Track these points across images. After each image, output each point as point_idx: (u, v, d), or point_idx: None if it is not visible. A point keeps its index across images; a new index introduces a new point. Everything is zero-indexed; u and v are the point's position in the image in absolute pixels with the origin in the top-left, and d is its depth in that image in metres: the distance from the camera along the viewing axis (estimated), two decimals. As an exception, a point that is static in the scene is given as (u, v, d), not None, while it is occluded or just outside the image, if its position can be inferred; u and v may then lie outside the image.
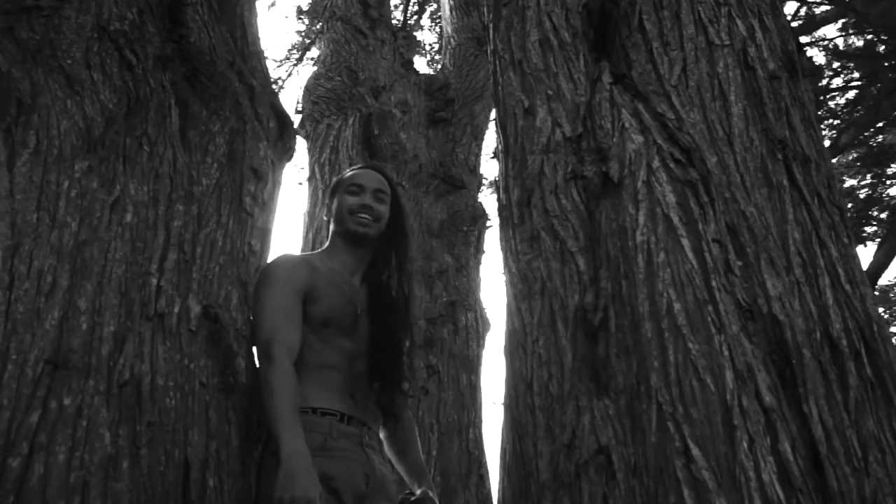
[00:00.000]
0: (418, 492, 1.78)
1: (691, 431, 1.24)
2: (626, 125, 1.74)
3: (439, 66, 4.58)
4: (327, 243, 1.99)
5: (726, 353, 1.33)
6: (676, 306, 1.40)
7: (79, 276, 1.45)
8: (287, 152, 2.19)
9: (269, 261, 1.95)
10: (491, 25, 2.17)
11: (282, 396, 1.61)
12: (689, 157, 1.63)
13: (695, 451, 1.22)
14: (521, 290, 1.67)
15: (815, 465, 1.25)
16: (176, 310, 1.56)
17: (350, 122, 3.42)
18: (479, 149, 3.97)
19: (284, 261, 1.89)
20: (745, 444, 1.21)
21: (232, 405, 1.60)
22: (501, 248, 1.90)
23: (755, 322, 1.41)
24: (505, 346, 1.70)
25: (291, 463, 1.51)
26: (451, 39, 4.49)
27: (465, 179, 3.52)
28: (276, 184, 2.16)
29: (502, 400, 1.81)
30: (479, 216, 3.47)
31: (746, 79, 1.78)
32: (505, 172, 1.87)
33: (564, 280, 1.59)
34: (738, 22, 1.89)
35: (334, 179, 2.05)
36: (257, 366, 1.73)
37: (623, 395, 1.38)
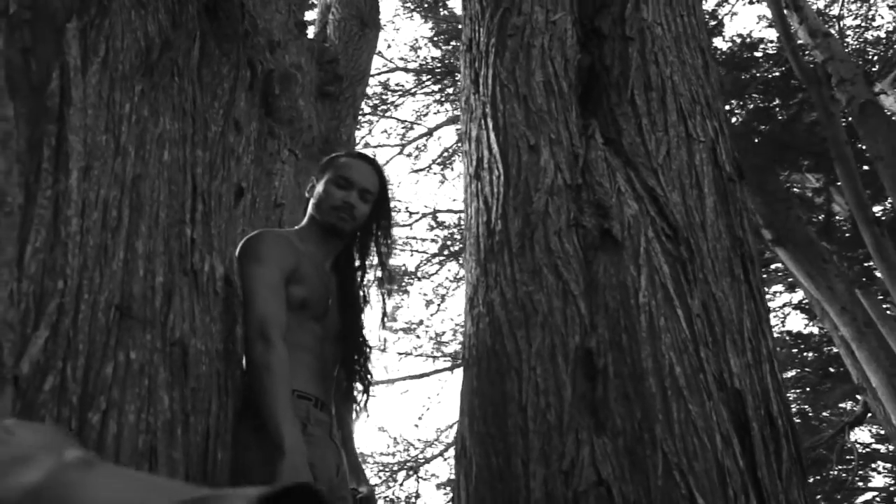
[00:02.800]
0: (363, 489, 1.82)
1: (696, 482, 1.47)
2: (622, 189, 1.95)
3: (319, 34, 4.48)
4: (304, 223, 1.96)
5: (714, 417, 1.59)
6: (677, 369, 1.63)
7: (136, 214, 1.32)
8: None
9: (252, 234, 1.87)
10: (493, 51, 2.26)
11: (282, 381, 1.59)
12: (676, 235, 1.88)
13: (699, 500, 1.45)
14: (517, 317, 1.80)
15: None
16: (206, 268, 1.47)
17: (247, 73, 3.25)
18: (354, 133, 3.98)
19: (273, 237, 1.84)
20: (743, 499, 1.46)
21: (230, 374, 1.54)
22: (477, 265, 2.01)
23: (723, 393, 1.69)
24: (487, 364, 1.81)
25: (296, 458, 1.49)
26: (334, 11, 4.42)
27: (347, 162, 3.52)
28: (250, 142, 2.07)
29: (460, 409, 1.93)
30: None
31: (715, 176, 2.08)
32: (504, 199, 1.98)
33: (566, 319, 1.75)
34: (708, 122, 2.20)
35: (327, 157, 2.02)
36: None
37: (622, 436, 1.58)
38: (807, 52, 7.73)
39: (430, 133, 9.67)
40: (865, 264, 9.34)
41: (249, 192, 2.01)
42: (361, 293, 1.98)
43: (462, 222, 4.43)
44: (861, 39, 9.63)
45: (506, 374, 1.75)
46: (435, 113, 10.01)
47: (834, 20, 9.48)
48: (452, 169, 9.96)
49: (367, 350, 1.93)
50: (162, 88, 1.52)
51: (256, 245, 1.77)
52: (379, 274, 2.01)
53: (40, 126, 1.20)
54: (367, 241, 2.01)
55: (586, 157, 2.03)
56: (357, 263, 2.01)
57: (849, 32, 9.46)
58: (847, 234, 9.84)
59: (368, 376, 1.91)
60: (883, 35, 9.44)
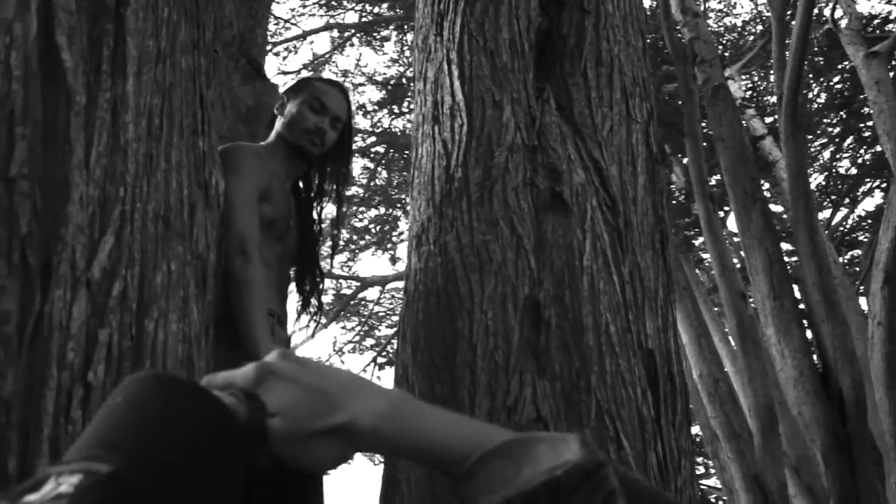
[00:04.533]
0: None
1: (622, 427, 1.72)
2: (572, 157, 2.13)
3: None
4: (271, 140, 2.00)
5: (636, 372, 1.84)
6: (612, 328, 1.86)
7: (170, 123, 1.33)
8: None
9: (229, 146, 1.89)
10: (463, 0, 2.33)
11: (259, 297, 1.66)
12: (614, 206, 2.10)
13: (625, 442, 1.70)
14: (472, 262, 1.95)
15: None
16: (214, 181, 1.50)
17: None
18: (266, 41, 3.87)
19: (250, 152, 1.87)
20: (652, 443, 1.74)
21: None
22: (429, 205, 2.13)
23: (640, 351, 1.95)
24: (437, 301, 1.96)
25: None
26: None
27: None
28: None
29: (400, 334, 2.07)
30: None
31: (646, 156, 2.31)
32: (466, 149, 2.10)
33: (518, 271, 1.92)
34: (644, 104, 2.41)
35: (301, 77, 2.04)
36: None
37: (560, 381, 1.80)
38: (677, 28, 8.25)
39: (304, 36, 9.39)
40: (686, 232, 10.30)
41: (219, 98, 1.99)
42: (317, 218, 2.05)
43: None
44: (721, 24, 10.37)
45: (457, 314, 1.91)
46: (310, 16, 9.70)
47: (702, 1, 10.13)
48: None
49: (320, 274, 2.02)
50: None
51: (235, 158, 1.79)
52: (334, 204, 2.08)
53: (99, 24, 1.18)
54: (327, 168, 2.06)
55: (541, 120, 2.18)
56: (315, 189, 2.07)
57: (711, 15, 10.16)
58: (674, 202, 10.74)
59: (320, 299, 2.00)
60: (739, 23, 10.22)
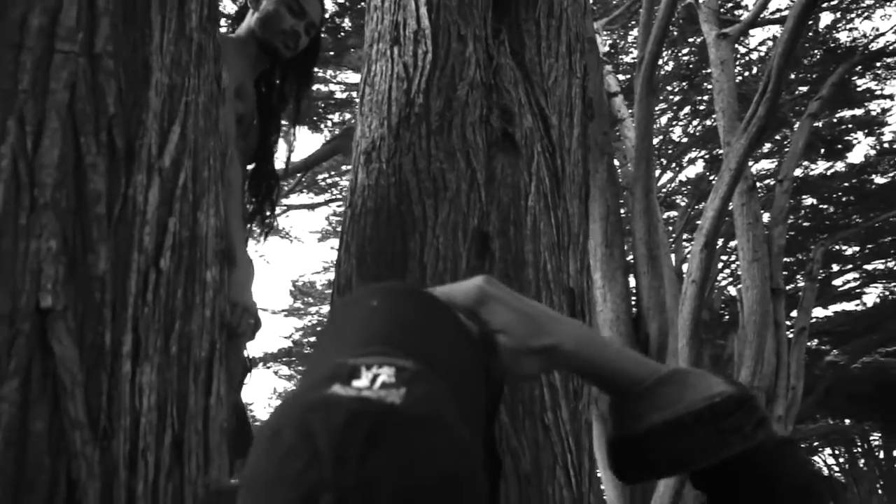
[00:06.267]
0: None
1: (552, 355, 1.93)
2: (522, 101, 2.26)
3: None
4: (241, 34, 1.98)
5: (564, 308, 2.05)
6: (548, 266, 2.05)
7: (210, 12, 1.31)
8: None
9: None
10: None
11: (237, 196, 1.70)
12: (554, 154, 2.27)
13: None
14: (428, 187, 2.05)
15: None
16: (223, 76, 1.49)
17: None
18: None
19: (232, 45, 1.86)
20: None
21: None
22: (384, 125, 2.19)
23: (565, 290, 2.16)
24: (388, 219, 2.05)
25: (246, 271, 1.65)
26: None
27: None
28: None
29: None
30: None
31: (581, 111, 2.49)
32: (430, 77, 2.16)
33: (470, 202, 2.05)
34: (582, 61, 2.58)
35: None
36: None
37: (499, 308, 1.97)
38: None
39: None
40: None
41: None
42: (275, 120, 2.05)
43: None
44: (596, -21, 10.76)
45: (409, 234, 2.01)
46: None
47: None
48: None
49: (275, 177, 2.04)
50: None
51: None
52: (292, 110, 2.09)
53: None
54: (291, 71, 2.07)
55: (497, 60, 2.29)
56: (276, 90, 2.07)
57: (587, -32, 10.55)
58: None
59: (273, 204, 2.03)
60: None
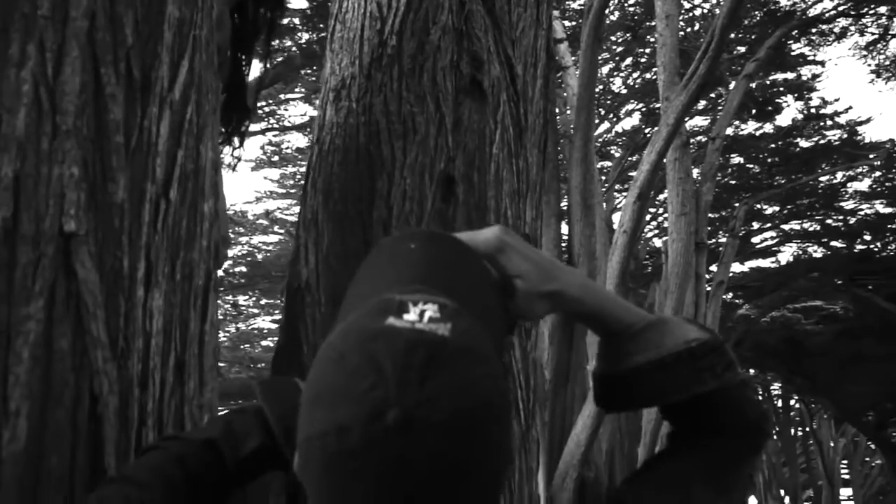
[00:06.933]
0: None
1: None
2: (491, 49, 2.32)
3: None
4: None
5: (520, 253, 2.16)
6: (509, 212, 2.14)
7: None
8: None
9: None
10: None
11: (214, 131, 1.72)
12: (518, 104, 2.34)
13: (509, 310, 2.02)
14: (398, 129, 2.10)
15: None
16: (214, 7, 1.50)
17: None
18: None
19: None
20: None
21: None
22: (355, 63, 2.21)
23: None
24: (356, 157, 2.10)
25: (225, 200, 1.69)
26: None
27: None
28: None
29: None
30: None
31: (545, 63, 2.55)
32: (403, 20, 2.19)
33: (437, 146, 2.11)
34: (547, 12, 2.63)
35: None
36: None
37: (461, 250, 2.06)
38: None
39: None
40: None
41: None
42: (248, 51, 2.06)
43: None
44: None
45: (378, 174, 2.07)
46: None
47: None
48: None
49: (246, 108, 2.06)
50: None
51: None
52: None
53: None
54: (265, 1, 2.07)
55: (469, 7, 2.33)
56: (250, 18, 2.07)
57: None
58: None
59: (243, 136, 2.05)
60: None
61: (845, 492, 24.02)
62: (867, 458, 24.53)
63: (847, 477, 23.89)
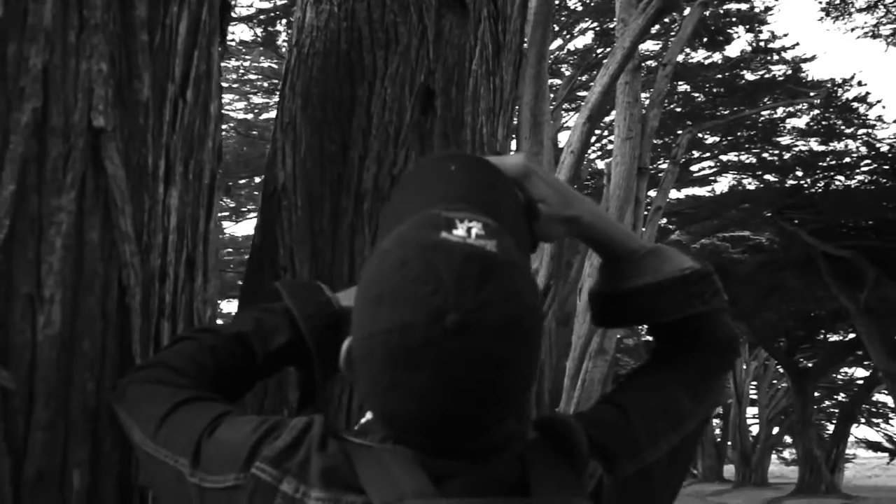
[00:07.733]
0: None
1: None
2: (474, -37, 2.31)
3: None
4: None
5: (491, 170, 2.22)
6: (484, 129, 2.19)
7: None
8: None
9: None
10: None
11: None
12: (497, 23, 2.35)
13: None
14: (380, 38, 2.10)
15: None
16: None
17: None
18: None
19: None
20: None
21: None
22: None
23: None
24: (336, 64, 2.10)
25: None
26: None
27: None
28: None
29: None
30: None
31: (524, -20, 2.56)
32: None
33: (419, 57, 2.13)
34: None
35: None
36: None
37: (436, 164, 2.11)
38: None
39: None
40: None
41: None
42: None
43: None
44: None
45: (358, 83, 2.08)
46: None
47: None
48: None
49: (227, 6, 2.02)
50: None
51: None
52: None
53: None
54: None
55: (455, -84, 2.30)
56: None
57: None
58: None
59: (224, 31, 2.03)
60: None
61: (752, 410, 25.63)
62: (774, 381, 26.11)
63: (755, 397, 25.44)
